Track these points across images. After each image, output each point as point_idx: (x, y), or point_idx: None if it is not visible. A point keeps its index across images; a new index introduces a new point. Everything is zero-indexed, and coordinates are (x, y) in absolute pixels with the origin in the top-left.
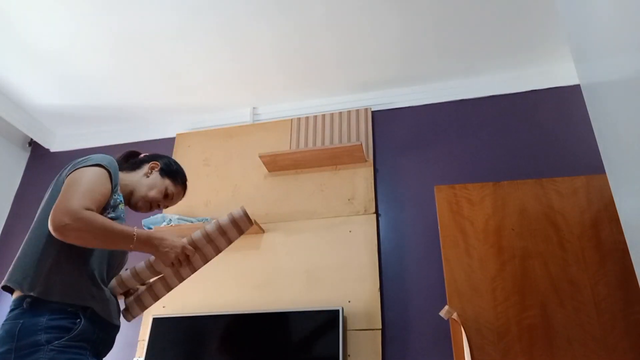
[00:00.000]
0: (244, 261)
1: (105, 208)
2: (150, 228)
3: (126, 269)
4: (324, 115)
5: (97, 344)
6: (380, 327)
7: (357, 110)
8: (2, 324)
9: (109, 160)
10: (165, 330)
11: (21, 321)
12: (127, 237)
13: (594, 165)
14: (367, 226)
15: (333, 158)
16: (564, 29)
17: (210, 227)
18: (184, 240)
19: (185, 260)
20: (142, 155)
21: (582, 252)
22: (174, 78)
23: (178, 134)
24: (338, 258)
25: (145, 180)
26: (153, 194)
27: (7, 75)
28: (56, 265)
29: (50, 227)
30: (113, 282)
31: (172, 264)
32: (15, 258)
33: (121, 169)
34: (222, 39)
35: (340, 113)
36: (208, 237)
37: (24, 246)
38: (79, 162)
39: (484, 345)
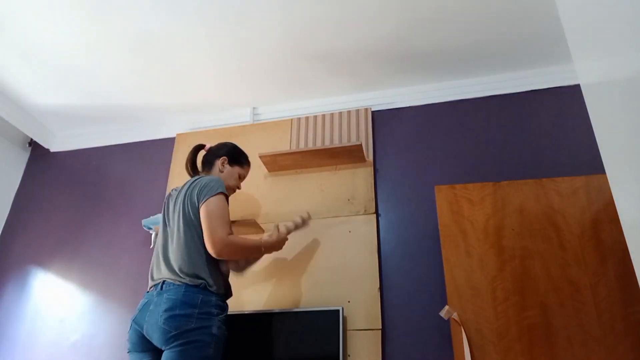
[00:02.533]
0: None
1: None
2: (150, 228)
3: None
4: (324, 115)
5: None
6: (380, 327)
7: (357, 110)
8: (175, 294)
9: (222, 183)
10: None
11: (201, 296)
12: (258, 249)
13: (594, 165)
14: (367, 226)
15: (333, 158)
16: (564, 29)
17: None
18: (280, 235)
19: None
20: (206, 150)
21: (582, 252)
22: (174, 78)
23: (178, 134)
24: (338, 258)
25: (223, 175)
26: (233, 182)
27: (7, 75)
28: (214, 265)
29: (211, 252)
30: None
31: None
32: (174, 256)
33: (203, 169)
34: (222, 39)
35: (340, 113)
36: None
37: (181, 247)
38: (208, 190)
39: (484, 345)
